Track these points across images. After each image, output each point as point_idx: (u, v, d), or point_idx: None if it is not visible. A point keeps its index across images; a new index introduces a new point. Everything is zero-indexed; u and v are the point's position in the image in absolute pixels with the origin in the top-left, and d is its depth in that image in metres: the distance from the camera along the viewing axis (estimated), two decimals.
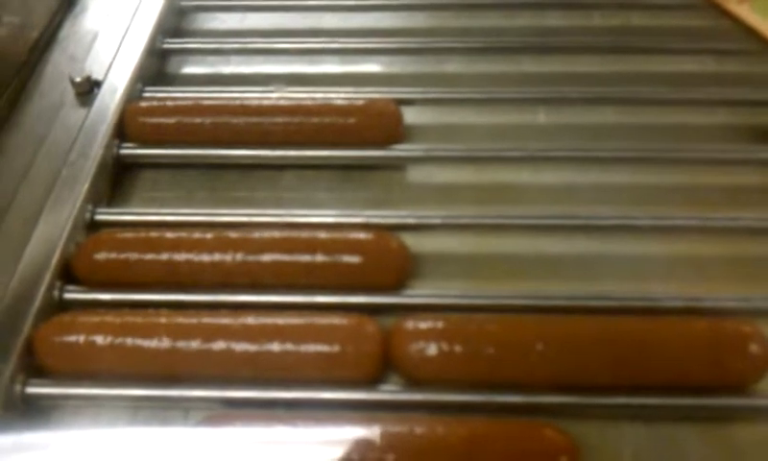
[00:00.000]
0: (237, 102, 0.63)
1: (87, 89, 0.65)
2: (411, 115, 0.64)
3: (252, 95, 0.65)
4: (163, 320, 0.49)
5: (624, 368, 0.46)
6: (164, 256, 0.52)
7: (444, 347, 0.46)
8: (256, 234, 0.53)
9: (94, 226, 0.57)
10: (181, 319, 0.49)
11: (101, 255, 0.53)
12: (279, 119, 0.62)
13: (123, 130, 0.63)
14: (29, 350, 0.48)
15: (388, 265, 0.53)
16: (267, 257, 0.52)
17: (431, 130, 0.65)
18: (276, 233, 0.54)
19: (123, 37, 0.71)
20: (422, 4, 0.78)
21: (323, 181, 0.62)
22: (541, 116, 0.66)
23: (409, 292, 0.53)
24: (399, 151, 0.62)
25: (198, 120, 0.62)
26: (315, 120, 0.61)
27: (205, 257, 0.52)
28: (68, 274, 0.53)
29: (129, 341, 0.47)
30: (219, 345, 0.47)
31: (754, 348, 0.46)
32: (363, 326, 0.48)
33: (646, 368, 0.46)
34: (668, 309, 0.50)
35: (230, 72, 0.73)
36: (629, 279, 0.54)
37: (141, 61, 0.68)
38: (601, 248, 0.56)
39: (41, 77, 0.70)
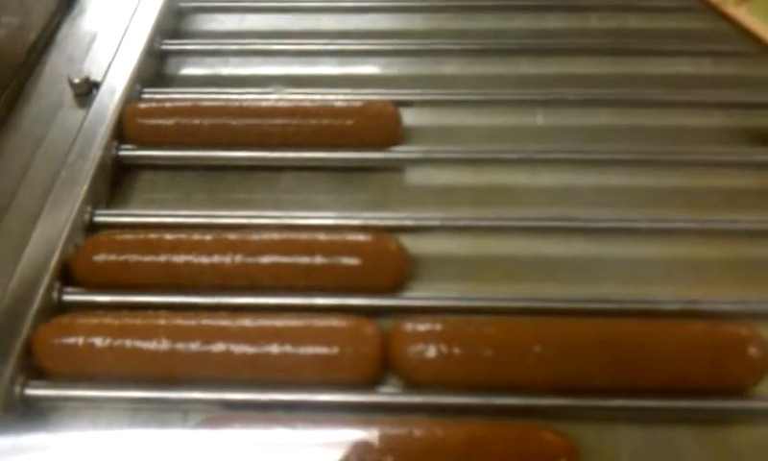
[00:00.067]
0: (236, 103, 0.63)
1: (86, 91, 0.65)
2: (409, 117, 0.65)
3: (251, 97, 0.65)
4: (162, 322, 0.49)
5: (622, 370, 0.46)
6: (163, 258, 0.52)
7: (443, 349, 0.47)
8: (255, 236, 0.53)
9: (93, 227, 0.57)
10: (180, 321, 0.49)
11: (100, 257, 0.53)
12: (278, 121, 0.62)
13: (122, 131, 0.63)
14: (28, 351, 0.48)
15: (386, 267, 0.53)
16: (266, 259, 0.52)
17: (429, 131, 0.65)
18: (275, 235, 0.54)
19: (121, 39, 0.71)
20: (420, 6, 0.78)
21: (321, 182, 0.62)
22: (539, 118, 0.66)
23: (407, 294, 0.53)
24: (398, 153, 0.62)
25: (196, 121, 0.62)
26: (313, 122, 0.61)
27: (204, 259, 0.52)
28: (67, 275, 0.53)
29: (128, 343, 0.47)
30: (218, 347, 0.47)
31: (752, 350, 0.46)
32: (361, 328, 0.48)
33: (644, 370, 0.46)
34: (666, 312, 0.50)
35: (229, 73, 0.73)
36: (627, 281, 0.54)
37: (140, 63, 0.68)
38: (599, 250, 0.56)
39: (40, 78, 0.69)
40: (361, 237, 0.53)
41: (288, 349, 0.47)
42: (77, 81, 0.65)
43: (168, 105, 0.64)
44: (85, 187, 0.57)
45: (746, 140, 0.64)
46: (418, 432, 0.43)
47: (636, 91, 0.67)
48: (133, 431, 0.47)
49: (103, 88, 0.65)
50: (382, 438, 0.43)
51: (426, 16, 0.78)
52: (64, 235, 0.54)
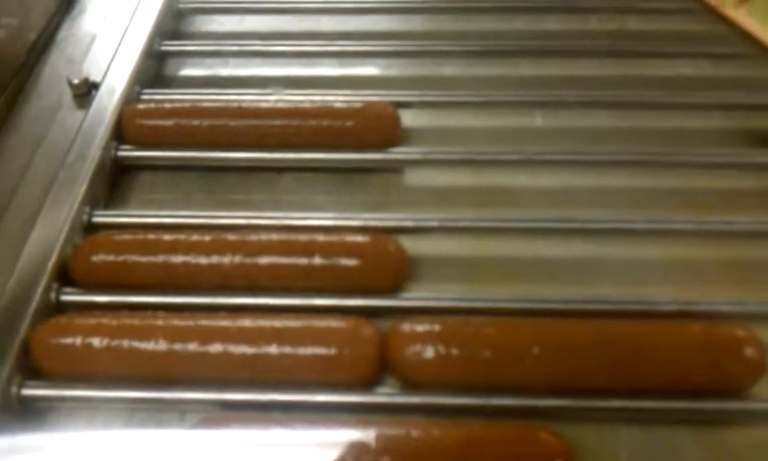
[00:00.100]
0: (235, 104, 0.63)
1: (85, 91, 0.65)
2: (408, 118, 0.65)
3: (250, 98, 0.65)
4: (160, 322, 0.49)
5: (620, 371, 0.46)
6: (161, 259, 0.52)
7: (441, 350, 0.47)
8: (254, 237, 0.53)
9: (91, 228, 0.57)
10: (178, 321, 0.49)
11: (98, 258, 0.53)
12: (277, 122, 0.62)
13: (121, 132, 0.63)
14: (25, 351, 0.48)
15: (385, 268, 0.53)
16: (264, 260, 0.52)
17: (429, 133, 0.65)
18: (274, 236, 0.54)
19: (121, 40, 0.71)
20: (420, 7, 0.78)
21: (320, 183, 0.62)
22: (539, 120, 0.66)
23: (406, 295, 0.53)
24: (397, 154, 0.62)
25: (196, 122, 0.62)
26: (313, 123, 0.61)
27: (203, 260, 0.52)
28: (65, 276, 0.53)
29: (125, 343, 0.47)
30: (216, 347, 0.47)
31: (749, 351, 0.46)
32: (360, 328, 0.48)
33: (642, 371, 0.46)
34: (664, 313, 0.50)
35: (228, 74, 0.73)
36: (625, 282, 0.54)
37: (139, 64, 0.68)
38: (598, 251, 0.56)
39: (39, 79, 0.69)
40: (360, 238, 0.53)
41: (286, 349, 0.47)
42: (76, 81, 0.65)
43: (167, 105, 0.64)
44: (84, 188, 0.57)
45: (746, 142, 0.64)
46: (415, 433, 0.43)
47: (635, 93, 0.67)
48: (130, 432, 0.47)
49: (102, 89, 0.65)
50: (380, 438, 0.43)
51: (426, 18, 0.78)
52: (63, 236, 0.54)
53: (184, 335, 0.48)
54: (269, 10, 0.79)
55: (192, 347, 0.47)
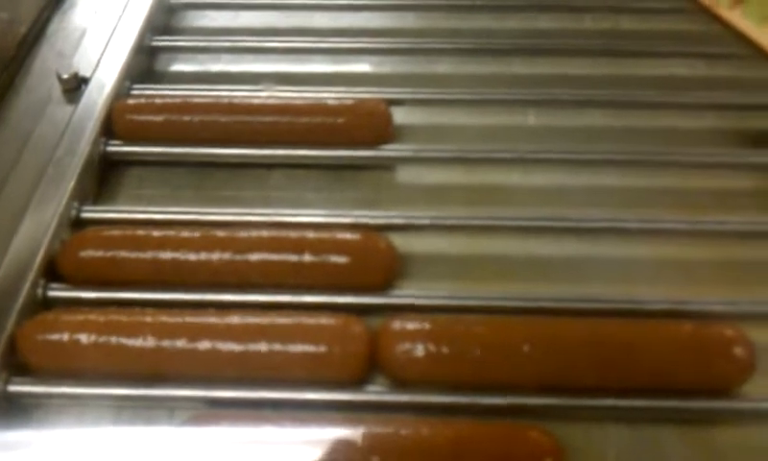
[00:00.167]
0: (226, 100, 0.63)
1: (75, 86, 0.65)
2: (401, 116, 0.64)
3: (242, 94, 0.65)
4: (148, 319, 0.48)
5: (610, 370, 0.46)
6: (150, 255, 0.52)
7: (431, 348, 0.46)
8: (244, 234, 0.53)
9: (80, 223, 0.56)
10: (167, 318, 0.48)
11: (86, 253, 0.52)
12: (268, 118, 0.61)
13: (110, 127, 0.62)
14: (12, 347, 0.48)
15: (376, 265, 0.52)
16: (254, 257, 0.52)
17: (421, 130, 0.65)
18: (264, 233, 0.53)
19: (111, 34, 0.70)
20: (413, 4, 0.78)
21: (311, 180, 0.62)
22: (532, 118, 0.66)
23: (396, 292, 0.53)
24: (389, 151, 0.62)
25: (186, 118, 0.61)
26: (304, 119, 0.61)
27: (192, 256, 0.52)
28: (53, 271, 0.53)
29: (113, 340, 0.47)
30: (205, 344, 0.47)
31: (738, 351, 0.46)
32: (350, 326, 0.48)
33: (632, 370, 0.46)
34: (655, 312, 0.50)
35: (219, 70, 0.72)
36: (617, 281, 0.54)
37: (129, 59, 0.68)
38: (590, 250, 0.56)
39: (29, 72, 0.69)
40: (350, 235, 0.53)
41: (276, 346, 0.47)
42: (66, 76, 0.65)
43: (157, 101, 0.63)
44: (73, 183, 0.56)
45: (738, 142, 0.64)
46: (404, 431, 0.43)
47: (628, 92, 0.67)
48: (119, 429, 0.47)
49: (92, 84, 0.65)
50: (369, 437, 0.43)
51: (419, 15, 0.78)
52: (51, 231, 0.53)
53: (173, 332, 0.47)
54: (260, 6, 0.79)
55: (181, 344, 0.47)
